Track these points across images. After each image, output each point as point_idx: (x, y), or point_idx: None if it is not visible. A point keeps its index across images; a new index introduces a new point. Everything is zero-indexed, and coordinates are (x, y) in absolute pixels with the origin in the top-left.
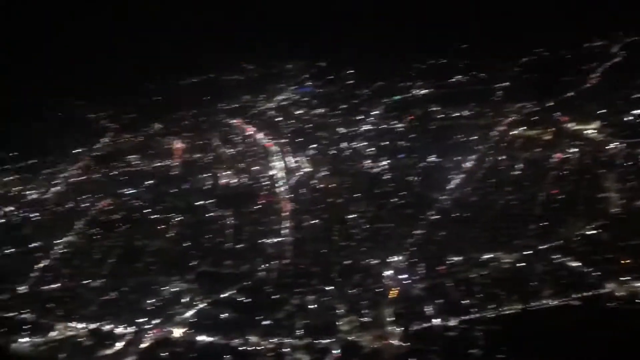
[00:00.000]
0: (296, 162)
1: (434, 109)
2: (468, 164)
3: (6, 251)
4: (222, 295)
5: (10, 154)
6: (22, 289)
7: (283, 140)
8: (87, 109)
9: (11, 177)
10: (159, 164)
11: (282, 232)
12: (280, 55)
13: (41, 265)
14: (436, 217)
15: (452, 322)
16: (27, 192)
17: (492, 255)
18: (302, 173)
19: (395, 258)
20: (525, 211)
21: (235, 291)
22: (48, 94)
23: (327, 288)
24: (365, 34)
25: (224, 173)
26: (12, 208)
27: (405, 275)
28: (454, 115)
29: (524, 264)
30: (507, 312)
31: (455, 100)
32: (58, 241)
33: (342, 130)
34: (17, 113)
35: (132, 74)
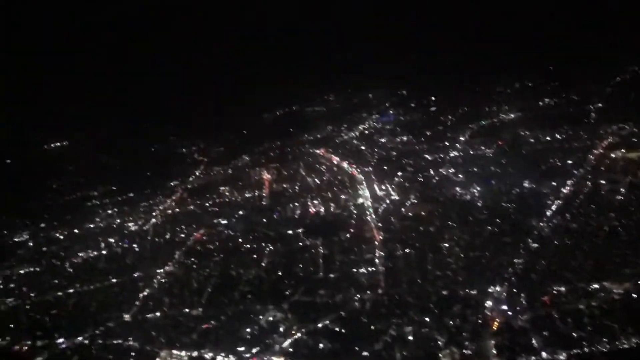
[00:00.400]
0: (383, 190)
1: (524, 133)
2: (566, 189)
3: (112, 280)
4: (318, 325)
5: (113, 188)
6: (127, 317)
7: (368, 169)
8: (179, 144)
9: (110, 211)
10: (248, 195)
11: (375, 261)
12: (360, 85)
13: (144, 294)
14: (536, 245)
15: (562, 356)
16: (128, 224)
17: (600, 285)
18: (390, 201)
19: (496, 288)
20: (633, 237)
21: (330, 321)
22: (142, 130)
23: (425, 319)
24: (445, 60)
25: (312, 202)
26: (113, 239)
27: (508, 306)
28: (546, 139)
29: (637, 295)
30: (623, 346)
31: (546, 123)
32: (159, 271)
33: (428, 157)
34: (114, 148)
35: (219, 108)
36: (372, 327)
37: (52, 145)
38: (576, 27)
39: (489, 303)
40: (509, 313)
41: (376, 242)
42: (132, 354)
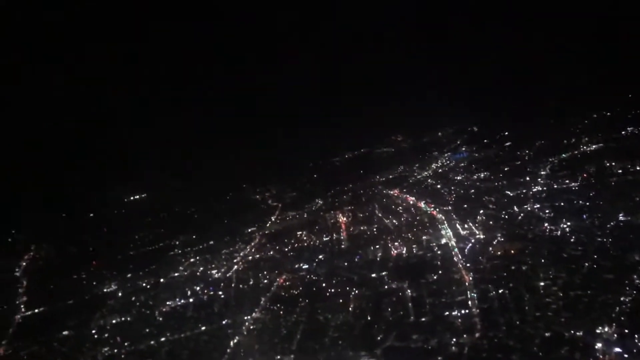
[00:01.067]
0: (466, 229)
1: (610, 164)
2: None
3: (202, 328)
4: None
5: (193, 237)
6: None
7: (448, 208)
8: (252, 191)
9: (193, 259)
10: (326, 239)
11: (468, 303)
12: (429, 124)
13: (234, 341)
14: None
15: None
16: (211, 272)
17: None
18: (475, 240)
19: (605, 329)
20: None
21: None
22: (216, 179)
23: None
24: (513, 95)
25: (392, 244)
26: (199, 287)
27: (622, 348)
28: (636, 168)
29: None
30: None
31: (631, 153)
32: (246, 317)
33: (510, 193)
34: (189, 198)
35: (289, 155)
36: None
37: (132, 198)
38: None
39: (599, 345)
40: (625, 356)
41: (467, 284)
42: None
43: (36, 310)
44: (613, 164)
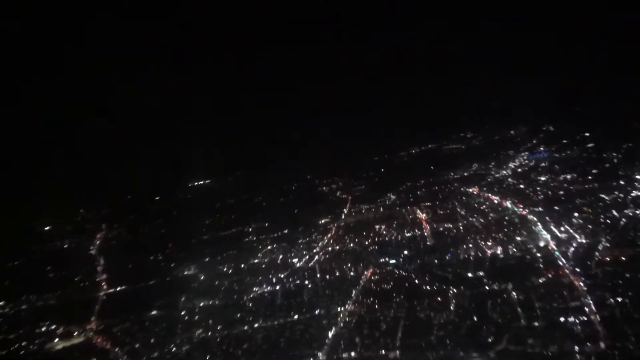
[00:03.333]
0: (564, 232)
1: None
2: None
3: (295, 317)
4: None
5: (265, 224)
6: (321, 355)
7: (538, 209)
8: (317, 182)
9: (270, 247)
10: (409, 234)
11: (585, 309)
12: (498, 122)
13: (332, 332)
14: None
15: None
16: (292, 261)
17: None
18: (578, 244)
19: None
20: None
21: None
22: (279, 168)
23: None
24: (591, 92)
25: (485, 244)
26: (282, 275)
27: None
28: None
29: None
30: None
31: None
32: (340, 309)
33: (605, 197)
34: (253, 187)
35: (351, 147)
36: None
37: (195, 183)
38: None
39: None
40: None
41: (579, 289)
42: None
43: (118, 289)
44: None
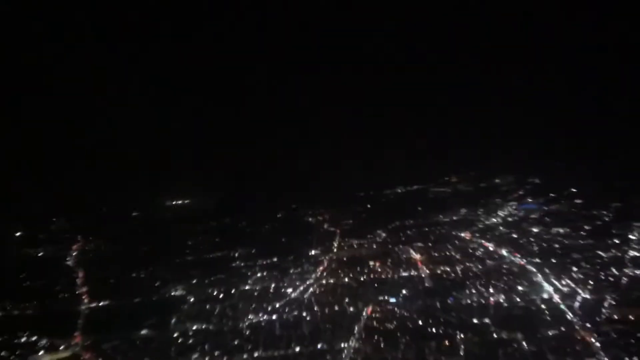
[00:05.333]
0: (566, 286)
1: None
2: None
3: (296, 349)
4: None
5: (252, 251)
6: None
7: (536, 260)
8: (302, 212)
9: (260, 274)
10: (405, 274)
11: None
12: (483, 168)
13: None
14: None
15: None
16: (285, 290)
17: None
18: (583, 300)
19: None
20: None
21: None
22: (263, 195)
23: None
24: (578, 150)
25: (485, 290)
26: (279, 305)
27: None
28: None
29: None
30: None
31: None
32: (344, 345)
33: (602, 254)
34: (236, 211)
35: (337, 181)
36: None
37: (174, 203)
38: None
39: None
40: None
41: (593, 346)
42: None
43: (101, 303)
44: None
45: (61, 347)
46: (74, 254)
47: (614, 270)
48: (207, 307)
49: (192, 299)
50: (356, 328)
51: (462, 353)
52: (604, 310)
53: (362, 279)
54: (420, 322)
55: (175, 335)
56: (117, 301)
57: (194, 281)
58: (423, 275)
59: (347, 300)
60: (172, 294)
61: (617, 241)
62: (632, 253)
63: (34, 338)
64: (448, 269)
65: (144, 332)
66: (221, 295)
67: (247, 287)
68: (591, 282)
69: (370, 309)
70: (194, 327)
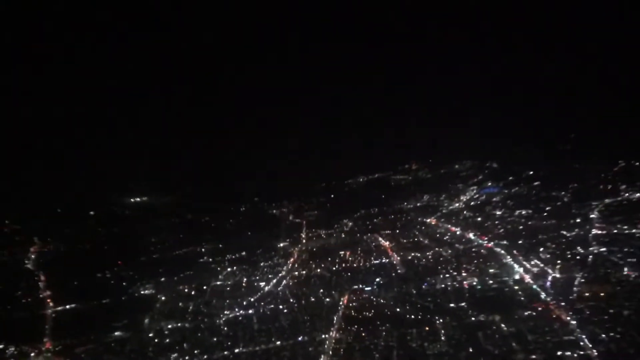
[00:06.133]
0: (535, 266)
1: None
2: None
3: (277, 343)
4: None
5: (219, 246)
6: None
7: (503, 242)
8: (266, 205)
9: (230, 269)
10: (376, 262)
11: (580, 344)
12: (441, 155)
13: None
14: None
15: None
16: (259, 284)
17: None
18: (554, 279)
19: None
20: None
21: None
22: (224, 189)
23: None
24: (530, 133)
25: (459, 274)
26: (253, 299)
27: None
28: None
29: None
30: None
31: None
32: (325, 336)
33: (566, 234)
34: (199, 207)
35: (299, 172)
36: None
37: (133, 200)
38: None
39: None
40: None
41: (569, 324)
42: None
43: (68, 307)
44: None
45: (32, 354)
46: (32, 256)
47: (579, 249)
48: (180, 304)
49: (163, 298)
50: (335, 318)
51: (443, 338)
52: (575, 289)
53: (334, 268)
54: (398, 309)
55: (150, 335)
56: (84, 304)
57: (163, 279)
58: (395, 262)
59: (322, 290)
60: (142, 292)
61: (579, 220)
62: (594, 231)
63: (1, 346)
64: (419, 255)
65: (117, 333)
66: (193, 292)
67: (218, 283)
68: (559, 262)
69: (346, 298)
70: (169, 326)
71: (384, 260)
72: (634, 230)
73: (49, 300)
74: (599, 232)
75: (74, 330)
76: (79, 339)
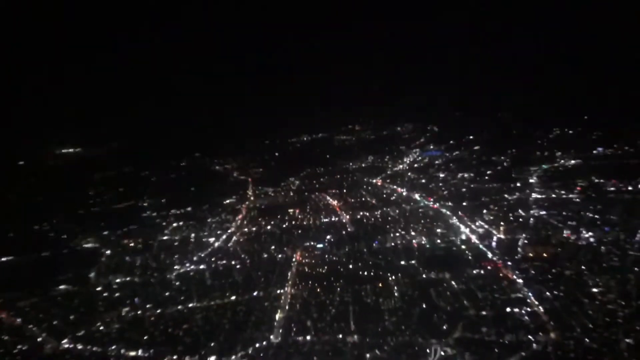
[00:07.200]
0: (480, 226)
1: (597, 180)
2: None
3: (232, 298)
4: None
5: (162, 200)
6: (273, 339)
7: (448, 204)
8: (208, 161)
9: (176, 224)
10: (325, 220)
11: (526, 301)
12: (383, 117)
13: (281, 315)
14: None
15: None
16: (207, 240)
17: None
18: (498, 240)
19: None
20: None
21: None
22: (162, 144)
23: None
24: (467, 98)
25: (406, 233)
26: (203, 254)
27: None
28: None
29: None
30: None
31: (620, 172)
32: (280, 291)
33: (507, 197)
34: (136, 159)
35: (241, 130)
36: None
37: (64, 151)
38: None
39: None
40: None
41: (516, 282)
42: None
43: (4, 259)
44: (602, 181)
45: None
46: None
47: (521, 211)
48: (127, 259)
49: (108, 252)
50: (289, 274)
51: (396, 294)
52: (519, 250)
53: (284, 226)
54: (350, 266)
55: (98, 289)
56: (22, 256)
57: (105, 233)
58: (344, 221)
59: (273, 247)
60: (85, 246)
61: (519, 184)
62: (534, 195)
63: None
64: (367, 214)
65: (62, 287)
66: (139, 247)
67: (165, 238)
68: (502, 224)
69: (299, 255)
70: (117, 280)
71: (333, 219)
72: (571, 195)
73: None
74: (539, 196)
75: (13, 284)
76: (20, 292)
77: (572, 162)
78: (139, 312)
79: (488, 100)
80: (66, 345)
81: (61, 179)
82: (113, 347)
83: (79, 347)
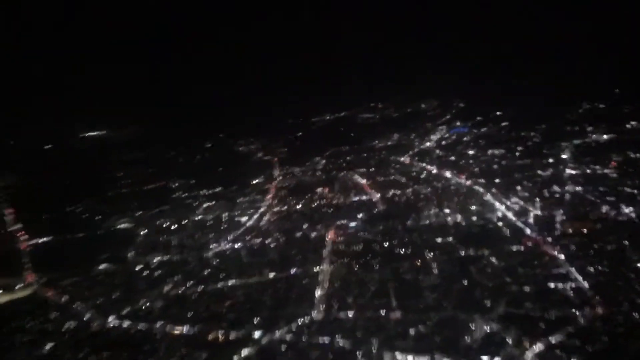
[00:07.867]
0: (516, 203)
1: (633, 155)
2: None
3: (270, 275)
4: (551, 341)
5: (192, 182)
6: (316, 315)
7: (481, 181)
8: (232, 142)
9: (207, 204)
10: (355, 199)
11: (570, 277)
12: (408, 94)
13: (321, 292)
14: None
15: None
16: (239, 219)
17: None
18: (536, 216)
19: None
20: None
21: (566, 336)
22: (190, 126)
23: None
24: (496, 74)
25: (441, 211)
26: (237, 234)
27: None
28: None
29: None
30: None
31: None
32: (316, 269)
33: (541, 172)
34: (163, 141)
35: (265, 110)
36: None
37: (89, 134)
38: None
39: None
40: None
41: (558, 258)
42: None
43: (41, 240)
44: (638, 155)
45: (17, 287)
46: None
47: (556, 187)
48: (161, 239)
49: (142, 232)
50: (324, 252)
51: (435, 271)
52: (557, 226)
53: (313, 205)
54: (386, 244)
55: (137, 268)
56: (59, 237)
57: (139, 214)
58: (374, 200)
59: (305, 226)
60: (119, 227)
61: (551, 160)
62: (568, 171)
63: None
64: (398, 192)
65: (102, 266)
66: (173, 227)
67: (198, 218)
68: (538, 200)
69: (332, 233)
70: (155, 259)
71: (363, 198)
72: (606, 170)
73: (20, 234)
74: (573, 172)
75: (54, 264)
76: (62, 272)
77: (605, 136)
78: (180, 290)
79: (515, 74)
80: (112, 323)
81: (88, 161)
82: (159, 324)
83: (125, 324)
